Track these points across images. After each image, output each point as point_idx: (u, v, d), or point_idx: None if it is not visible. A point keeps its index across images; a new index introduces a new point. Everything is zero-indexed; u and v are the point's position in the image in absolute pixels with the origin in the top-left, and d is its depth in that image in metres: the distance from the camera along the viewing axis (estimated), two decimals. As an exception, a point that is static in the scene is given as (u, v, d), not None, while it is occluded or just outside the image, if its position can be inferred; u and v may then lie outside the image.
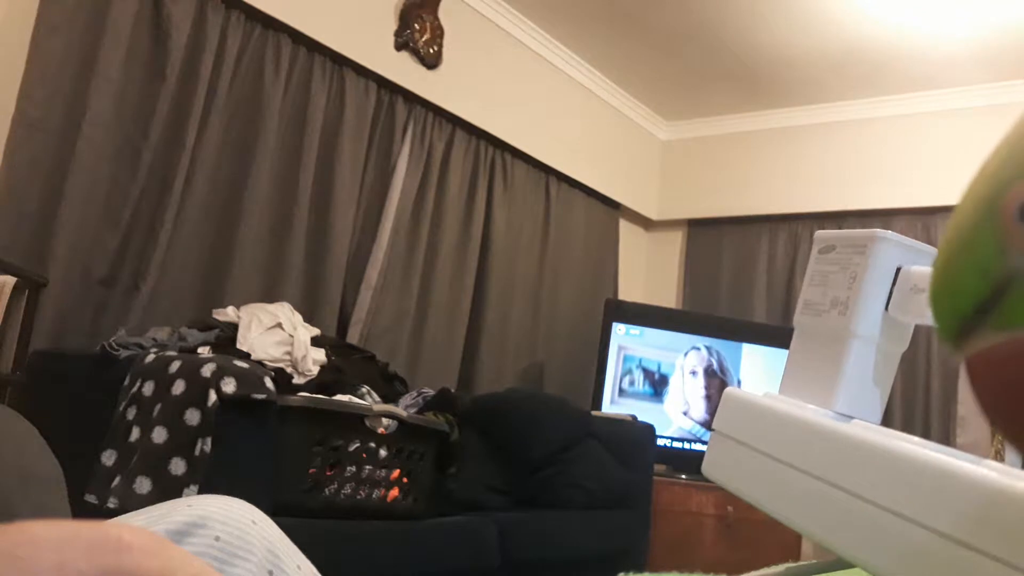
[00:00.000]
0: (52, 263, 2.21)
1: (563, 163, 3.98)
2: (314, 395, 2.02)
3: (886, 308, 0.48)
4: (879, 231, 0.48)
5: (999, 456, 3.32)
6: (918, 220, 3.91)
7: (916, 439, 0.41)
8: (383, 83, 3.13)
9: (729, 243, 4.46)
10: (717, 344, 3.83)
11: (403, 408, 2.29)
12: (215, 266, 2.64)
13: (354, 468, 1.96)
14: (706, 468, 0.51)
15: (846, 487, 0.40)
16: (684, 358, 3.79)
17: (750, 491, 0.47)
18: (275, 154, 2.78)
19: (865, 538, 0.38)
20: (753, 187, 4.38)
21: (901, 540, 0.36)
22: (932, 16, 3.26)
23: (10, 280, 2.01)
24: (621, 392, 3.71)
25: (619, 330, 3.73)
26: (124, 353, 1.96)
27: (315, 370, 2.22)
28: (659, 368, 3.77)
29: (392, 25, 3.15)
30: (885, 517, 0.37)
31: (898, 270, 0.48)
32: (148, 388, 1.81)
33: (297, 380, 2.16)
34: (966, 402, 3.70)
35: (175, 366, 1.80)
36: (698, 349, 3.81)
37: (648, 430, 3.03)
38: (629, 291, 4.50)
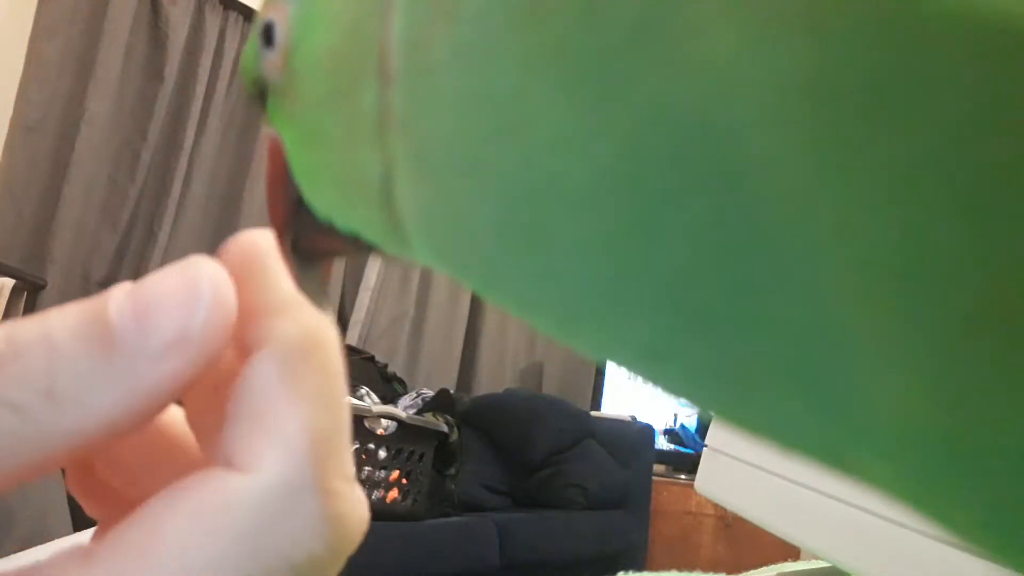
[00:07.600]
0: (51, 265, 2.21)
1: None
2: (313, 397, 2.01)
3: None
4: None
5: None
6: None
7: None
8: (381, 83, 3.13)
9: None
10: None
11: (402, 409, 2.29)
12: (214, 267, 2.63)
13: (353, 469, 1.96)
14: (700, 486, 0.51)
15: (847, 499, 0.40)
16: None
17: (748, 507, 0.47)
18: (274, 155, 2.78)
19: (869, 550, 0.38)
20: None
21: (906, 551, 0.36)
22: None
23: (8, 282, 2.01)
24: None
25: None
26: (123, 355, 1.96)
27: (314, 371, 2.22)
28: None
29: (390, 25, 3.14)
30: (889, 528, 0.37)
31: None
32: (147, 390, 1.80)
33: (296, 382, 2.16)
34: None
35: (174, 368, 1.80)
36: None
37: (647, 430, 3.04)
38: (628, 290, 4.50)
